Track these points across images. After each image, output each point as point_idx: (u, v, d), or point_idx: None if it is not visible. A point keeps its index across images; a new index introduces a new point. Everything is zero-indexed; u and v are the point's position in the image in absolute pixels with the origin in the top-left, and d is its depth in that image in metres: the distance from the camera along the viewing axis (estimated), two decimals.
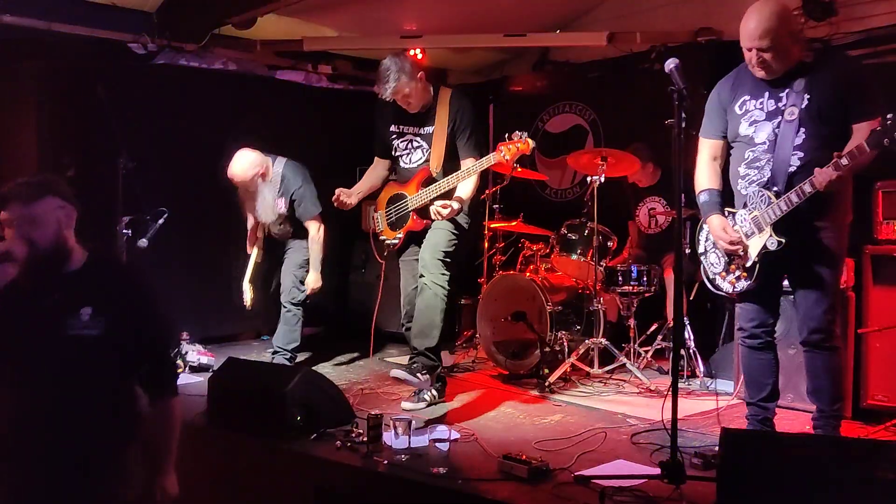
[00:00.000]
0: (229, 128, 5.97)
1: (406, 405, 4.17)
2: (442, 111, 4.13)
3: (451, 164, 4.13)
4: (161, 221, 5.00)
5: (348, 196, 4.36)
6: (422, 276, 4.11)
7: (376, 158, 4.53)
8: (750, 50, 3.23)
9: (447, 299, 4.11)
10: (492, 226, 5.57)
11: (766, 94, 3.33)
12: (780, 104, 3.28)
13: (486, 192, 5.72)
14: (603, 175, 5.00)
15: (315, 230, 5.04)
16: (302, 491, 3.41)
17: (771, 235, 3.27)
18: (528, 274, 5.17)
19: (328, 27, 6.21)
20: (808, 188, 3.15)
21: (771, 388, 3.47)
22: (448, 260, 4.13)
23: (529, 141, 3.84)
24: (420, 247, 4.22)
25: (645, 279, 4.94)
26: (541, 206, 6.58)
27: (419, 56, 6.72)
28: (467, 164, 4.08)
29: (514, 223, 5.52)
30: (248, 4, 5.26)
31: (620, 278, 4.95)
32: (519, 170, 5.55)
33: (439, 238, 4.14)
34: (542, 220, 5.66)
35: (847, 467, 2.54)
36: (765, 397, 3.47)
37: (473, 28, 6.08)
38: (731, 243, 3.36)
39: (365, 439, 3.44)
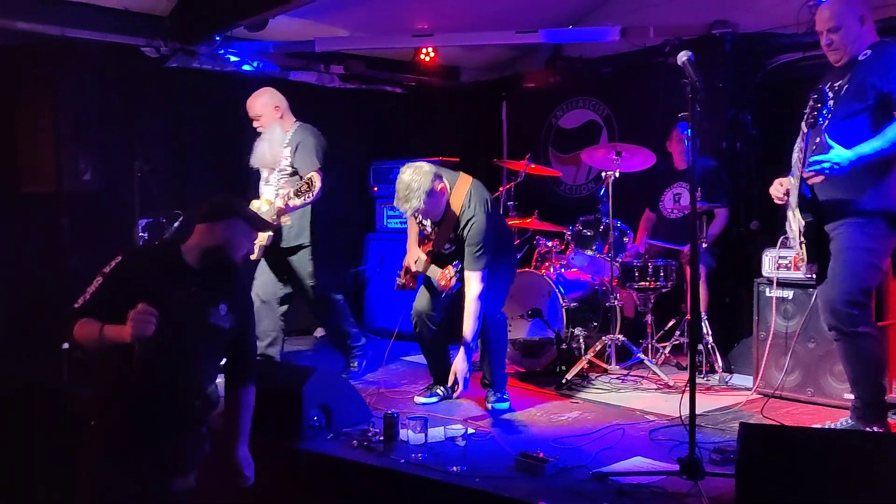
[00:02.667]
0: (243, 129, 6.01)
1: (419, 399, 4.24)
2: (456, 204, 3.99)
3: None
4: (177, 224, 5.04)
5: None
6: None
7: None
8: (821, 34, 3.35)
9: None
10: (507, 223, 5.54)
11: (830, 82, 3.40)
12: (831, 92, 3.34)
13: (500, 189, 5.72)
14: (618, 170, 4.97)
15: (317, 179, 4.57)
16: (320, 491, 3.42)
17: (797, 216, 3.34)
18: (543, 271, 5.15)
19: (340, 27, 6.22)
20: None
21: None
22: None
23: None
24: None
25: (662, 275, 4.91)
26: (555, 203, 6.56)
27: (431, 56, 6.74)
28: (467, 274, 3.94)
29: (528, 220, 5.50)
30: (260, 6, 5.26)
31: (637, 274, 4.91)
32: (532, 167, 5.54)
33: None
34: (557, 217, 5.64)
35: (866, 461, 2.51)
36: None
37: (485, 25, 6.06)
38: (777, 194, 3.49)
39: (382, 438, 3.46)
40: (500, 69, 7.33)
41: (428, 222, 4.12)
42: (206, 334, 2.77)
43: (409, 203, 3.84)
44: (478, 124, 7.44)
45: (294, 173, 4.67)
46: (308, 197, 4.45)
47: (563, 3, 6.35)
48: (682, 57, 2.99)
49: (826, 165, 3.18)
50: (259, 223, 3.01)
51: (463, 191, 4.01)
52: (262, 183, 4.85)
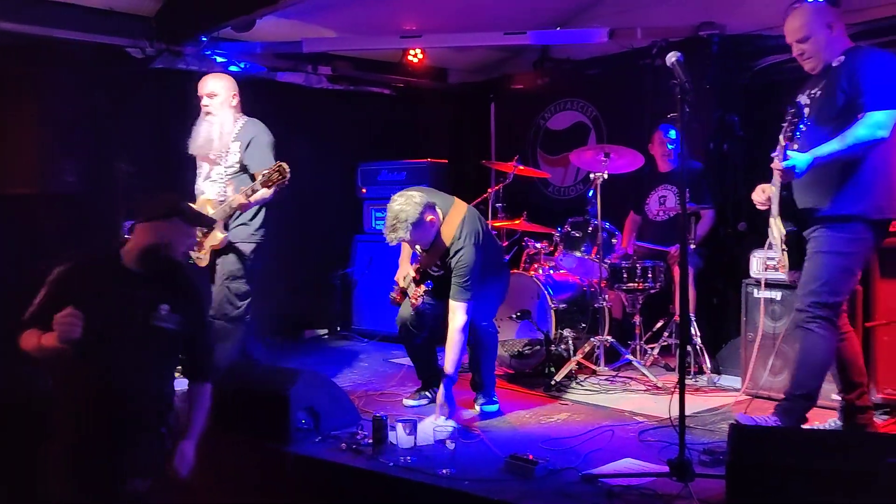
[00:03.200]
0: None
1: (408, 402, 4.24)
2: (447, 234, 3.94)
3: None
4: None
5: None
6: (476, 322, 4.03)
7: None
8: (792, 45, 3.38)
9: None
10: (495, 224, 5.54)
11: (808, 91, 3.43)
12: (809, 100, 3.38)
13: (489, 190, 5.71)
14: (606, 171, 4.97)
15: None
16: (308, 494, 3.39)
17: (778, 225, 3.38)
18: (532, 272, 5.15)
19: (327, 28, 6.20)
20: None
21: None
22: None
23: None
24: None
25: (650, 276, 4.91)
26: (544, 204, 6.56)
27: (419, 57, 6.73)
28: (451, 304, 3.87)
29: (517, 222, 5.49)
30: (247, 6, 5.23)
31: (625, 275, 4.91)
32: (521, 168, 5.54)
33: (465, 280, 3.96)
34: (546, 218, 5.64)
35: (856, 461, 2.52)
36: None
37: (473, 26, 6.05)
38: (759, 199, 3.53)
39: (370, 441, 3.44)
40: (489, 71, 7.33)
41: (418, 247, 4.10)
42: (150, 336, 2.79)
43: (395, 233, 3.80)
44: (466, 126, 7.44)
45: (241, 171, 4.31)
46: (280, 186, 4.03)
47: (550, 4, 6.34)
48: (672, 58, 2.99)
49: (788, 164, 3.22)
50: (198, 220, 3.03)
51: (456, 220, 3.95)
52: (200, 178, 4.43)
